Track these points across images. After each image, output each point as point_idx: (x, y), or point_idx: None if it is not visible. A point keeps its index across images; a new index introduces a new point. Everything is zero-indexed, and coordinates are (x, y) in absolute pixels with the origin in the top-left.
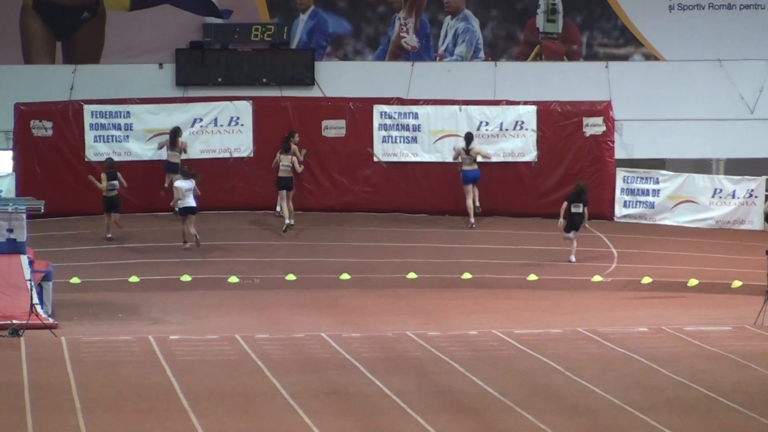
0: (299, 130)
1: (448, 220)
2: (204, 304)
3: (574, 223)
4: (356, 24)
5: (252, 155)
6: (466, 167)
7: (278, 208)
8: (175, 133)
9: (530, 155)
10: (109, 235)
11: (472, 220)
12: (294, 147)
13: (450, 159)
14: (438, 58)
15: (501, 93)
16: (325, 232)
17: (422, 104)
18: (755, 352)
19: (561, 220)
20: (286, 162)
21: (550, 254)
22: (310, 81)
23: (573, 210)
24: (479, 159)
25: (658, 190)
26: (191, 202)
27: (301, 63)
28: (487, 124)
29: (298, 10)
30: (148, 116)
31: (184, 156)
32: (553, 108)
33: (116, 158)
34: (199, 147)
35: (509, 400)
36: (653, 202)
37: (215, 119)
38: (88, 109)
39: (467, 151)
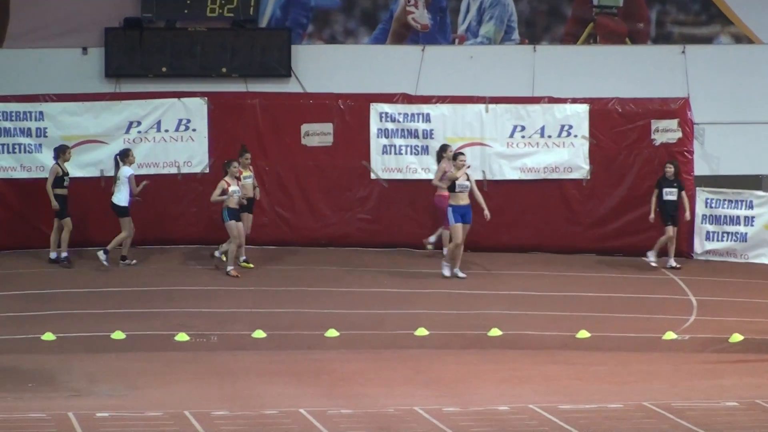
0: (270, 134)
1: (471, 257)
2: (143, 371)
3: (668, 213)
4: None
5: (207, 170)
6: (461, 201)
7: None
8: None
9: (580, 171)
10: (65, 254)
11: (461, 274)
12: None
13: (475, 176)
14: (457, 41)
15: (541, 87)
16: (306, 273)
17: (436, 102)
18: None
19: (652, 214)
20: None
21: (608, 303)
22: (285, 71)
23: (666, 197)
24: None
25: (753, 218)
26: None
27: (274, 47)
28: (522, 129)
29: None
30: (67, 118)
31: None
32: (612, 107)
33: (25, 174)
34: (136, 160)
35: None
36: (746, 234)
37: (158, 122)
38: None
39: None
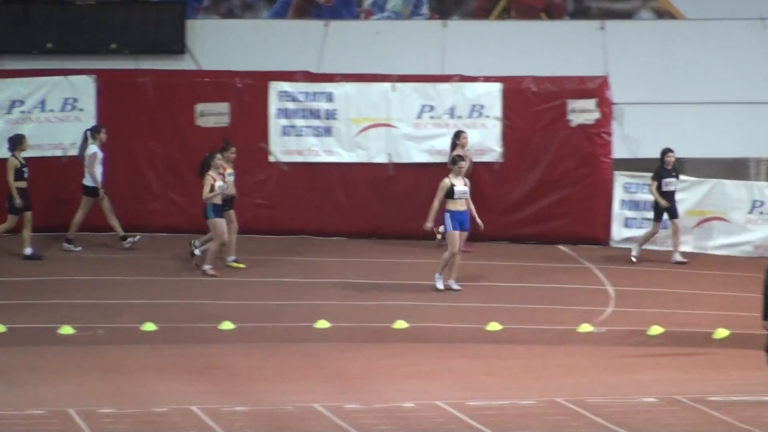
0: (163, 115)
1: (376, 245)
2: (24, 366)
3: (667, 206)
4: None
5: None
6: (459, 208)
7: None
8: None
9: (492, 154)
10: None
11: (456, 286)
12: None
13: (380, 159)
14: (363, 16)
15: (452, 65)
16: (200, 262)
17: (339, 81)
18: None
19: (662, 202)
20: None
21: (520, 294)
22: (179, 48)
23: (666, 188)
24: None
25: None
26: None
27: (167, 22)
28: (431, 109)
29: None
30: None
31: None
32: (526, 86)
33: None
34: None
35: None
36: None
37: (42, 102)
38: None
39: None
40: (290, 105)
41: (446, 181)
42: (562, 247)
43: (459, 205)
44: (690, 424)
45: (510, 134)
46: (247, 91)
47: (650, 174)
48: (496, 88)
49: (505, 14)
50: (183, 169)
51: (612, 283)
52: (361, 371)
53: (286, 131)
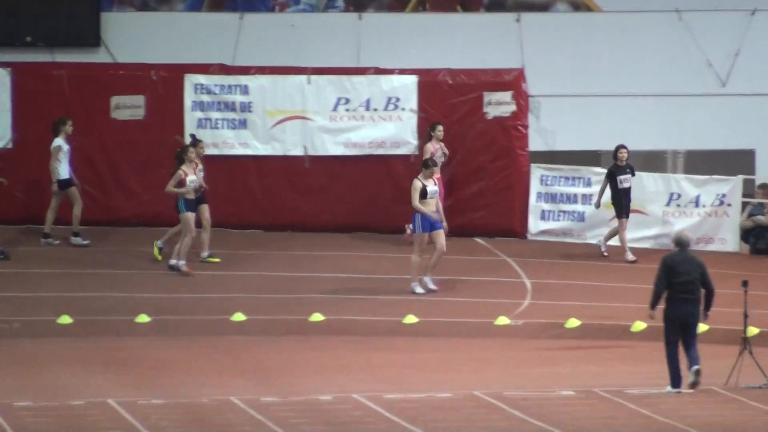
0: (79, 108)
1: (292, 237)
2: None
3: (624, 203)
4: None
5: (10, 146)
6: (431, 208)
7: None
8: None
9: (408, 146)
10: None
11: (433, 286)
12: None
13: (296, 151)
14: (278, 8)
15: (368, 58)
16: (115, 255)
17: (255, 73)
18: (727, 424)
19: (596, 199)
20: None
21: (438, 287)
22: (94, 40)
23: (622, 185)
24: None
25: (591, 196)
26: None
27: (81, 14)
28: (347, 101)
29: None
30: None
31: None
32: (442, 79)
33: None
34: None
35: None
36: (583, 213)
37: None
38: None
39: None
40: (206, 98)
41: (417, 183)
42: (478, 240)
43: (431, 206)
44: (608, 417)
45: (426, 126)
46: (163, 84)
47: (568, 167)
48: (412, 80)
49: (421, 7)
50: (98, 161)
51: (529, 276)
52: (278, 364)
53: (201, 123)
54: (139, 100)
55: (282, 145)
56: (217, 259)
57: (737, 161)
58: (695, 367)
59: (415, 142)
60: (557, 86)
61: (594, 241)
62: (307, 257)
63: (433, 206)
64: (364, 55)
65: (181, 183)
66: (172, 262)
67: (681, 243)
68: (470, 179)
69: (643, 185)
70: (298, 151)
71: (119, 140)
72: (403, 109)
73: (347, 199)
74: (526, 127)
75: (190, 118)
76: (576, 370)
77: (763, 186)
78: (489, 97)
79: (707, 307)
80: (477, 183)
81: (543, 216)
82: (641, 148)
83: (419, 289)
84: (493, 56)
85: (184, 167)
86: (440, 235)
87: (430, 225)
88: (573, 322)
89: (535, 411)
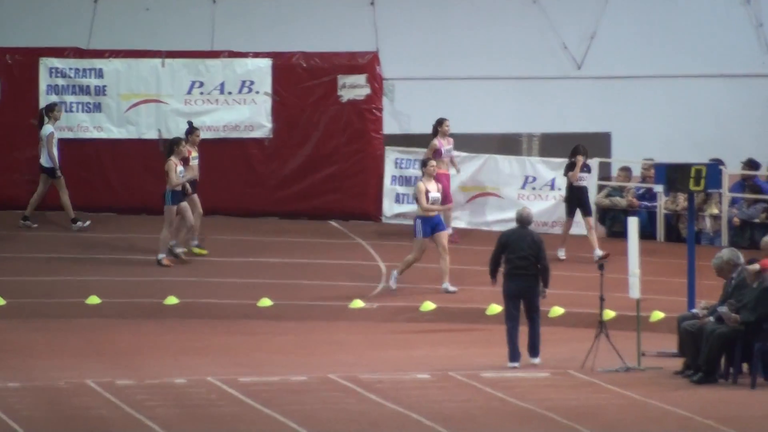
0: None
1: (147, 220)
2: None
3: (580, 201)
4: None
5: None
6: (432, 213)
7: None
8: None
9: (263, 129)
10: None
11: (452, 288)
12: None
13: (151, 135)
14: None
15: (222, 41)
16: None
17: (109, 57)
18: (583, 408)
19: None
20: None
21: (292, 270)
22: None
23: (577, 184)
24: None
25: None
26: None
27: None
28: (201, 85)
29: None
30: None
31: None
32: (296, 62)
33: None
34: None
35: None
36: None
37: None
38: None
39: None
40: (61, 81)
41: (421, 186)
42: (333, 223)
43: (432, 210)
44: (463, 400)
45: (280, 110)
46: (18, 68)
47: (422, 149)
48: (266, 63)
49: None
50: None
51: (384, 259)
52: (133, 347)
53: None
54: None
55: (136, 129)
56: (205, 251)
57: (593, 144)
58: (533, 360)
59: (269, 125)
60: (412, 69)
61: (453, 224)
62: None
63: (434, 213)
64: (218, 38)
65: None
66: (160, 256)
67: (520, 220)
68: (325, 162)
69: (498, 168)
70: (152, 135)
71: None
72: (257, 92)
73: (202, 182)
74: (380, 110)
75: (45, 101)
76: (431, 353)
77: (625, 169)
78: (343, 80)
79: (544, 284)
80: (331, 166)
81: (397, 199)
82: (496, 131)
83: (394, 284)
84: (348, 39)
85: (174, 158)
86: (443, 237)
87: (431, 229)
88: (428, 306)
89: (390, 394)
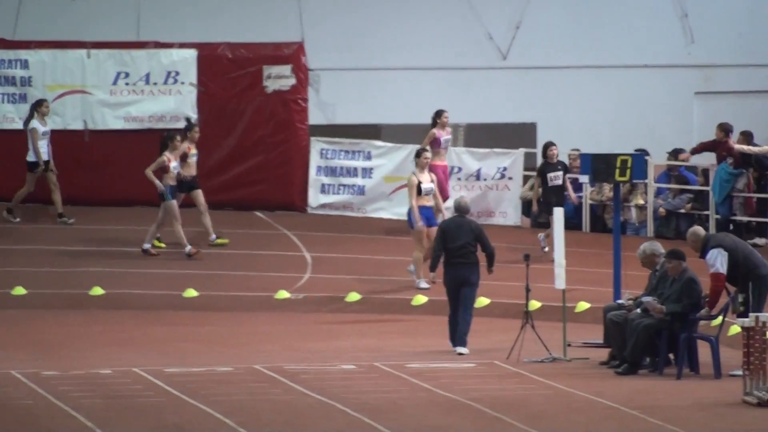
0: None
1: (73, 211)
2: None
3: (553, 200)
4: None
5: None
6: (425, 203)
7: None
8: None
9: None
10: None
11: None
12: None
13: (76, 126)
14: None
15: (147, 31)
16: None
17: (35, 48)
18: (509, 398)
19: (535, 206)
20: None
21: (217, 261)
22: None
23: (552, 183)
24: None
25: (371, 169)
26: None
27: None
28: (126, 75)
29: None
30: None
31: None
32: (222, 52)
33: None
34: None
35: None
36: (363, 187)
37: None
38: None
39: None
40: None
41: (413, 179)
42: (259, 214)
43: (424, 201)
44: (389, 391)
45: (205, 100)
46: None
47: (348, 140)
48: (191, 54)
49: None
50: None
51: (309, 250)
52: (59, 338)
53: None
54: None
55: (62, 120)
56: (226, 240)
57: (519, 134)
58: (457, 349)
59: (194, 116)
60: (337, 60)
61: (374, 215)
62: (89, 231)
63: (429, 201)
64: (143, 28)
65: (165, 169)
66: (146, 246)
67: (458, 209)
68: (250, 153)
69: None
70: (78, 126)
71: None
72: (182, 83)
73: (128, 173)
74: (305, 100)
75: None
76: (357, 343)
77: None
78: (269, 70)
79: (489, 264)
80: (257, 156)
81: (323, 189)
82: (421, 122)
83: (424, 284)
84: (273, 30)
85: (167, 153)
86: (432, 233)
87: (426, 220)
88: (353, 296)
89: (315, 385)
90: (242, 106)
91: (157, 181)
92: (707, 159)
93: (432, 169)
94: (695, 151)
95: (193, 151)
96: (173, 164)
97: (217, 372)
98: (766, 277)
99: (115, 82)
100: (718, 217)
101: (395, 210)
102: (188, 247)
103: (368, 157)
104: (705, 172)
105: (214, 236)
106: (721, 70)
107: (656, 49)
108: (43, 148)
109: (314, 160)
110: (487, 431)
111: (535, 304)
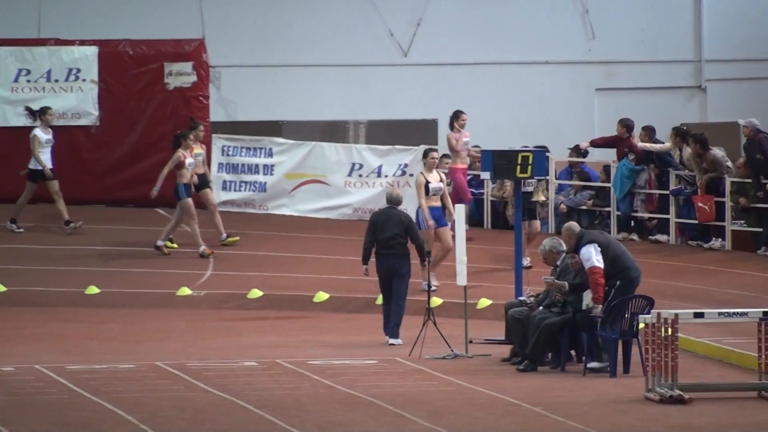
0: None
1: None
2: None
3: (527, 207)
4: None
5: None
6: (433, 204)
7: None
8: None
9: (89, 117)
10: None
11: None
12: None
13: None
14: None
15: (48, 29)
16: None
17: None
18: (410, 395)
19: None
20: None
21: (117, 258)
22: None
23: (524, 189)
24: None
25: (273, 166)
26: None
27: None
28: (28, 72)
29: None
30: None
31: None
32: (123, 49)
33: None
34: None
35: None
36: (264, 183)
37: None
38: None
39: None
40: None
41: (421, 178)
42: (160, 211)
43: (432, 201)
44: (291, 388)
45: (107, 97)
46: None
47: (249, 137)
48: (92, 51)
49: None
50: None
51: (210, 247)
52: None
53: None
54: None
55: None
56: (236, 238)
57: (420, 131)
58: (392, 341)
59: (96, 113)
60: (238, 56)
61: (275, 212)
62: None
63: (434, 202)
64: (44, 25)
65: (180, 165)
66: (159, 243)
67: (390, 200)
68: (151, 149)
69: (325, 155)
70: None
71: None
72: (84, 80)
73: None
74: (207, 97)
75: None
76: (259, 340)
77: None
78: (170, 67)
79: (420, 258)
80: (158, 153)
81: (225, 186)
82: (323, 119)
83: (435, 282)
84: (174, 27)
85: (182, 150)
86: (445, 233)
87: (435, 221)
88: (255, 293)
89: (218, 382)
90: (143, 103)
91: (158, 183)
92: (608, 155)
93: (452, 172)
94: (595, 144)
95: (197, 150)
96: (189, 161)
97: (120, 369)
98: (635, 279)
99: (16, 80)
100: (619, 213)
101: (297, 207)
102: (202, 247)
103: (270, 154)
104: (606, 168)
105: (224, 235)
106: (622, 66)
107: (558, 46)
108: (45, 155)
109: (216, 157)
110: (388, 428)
111: (436, 301)
